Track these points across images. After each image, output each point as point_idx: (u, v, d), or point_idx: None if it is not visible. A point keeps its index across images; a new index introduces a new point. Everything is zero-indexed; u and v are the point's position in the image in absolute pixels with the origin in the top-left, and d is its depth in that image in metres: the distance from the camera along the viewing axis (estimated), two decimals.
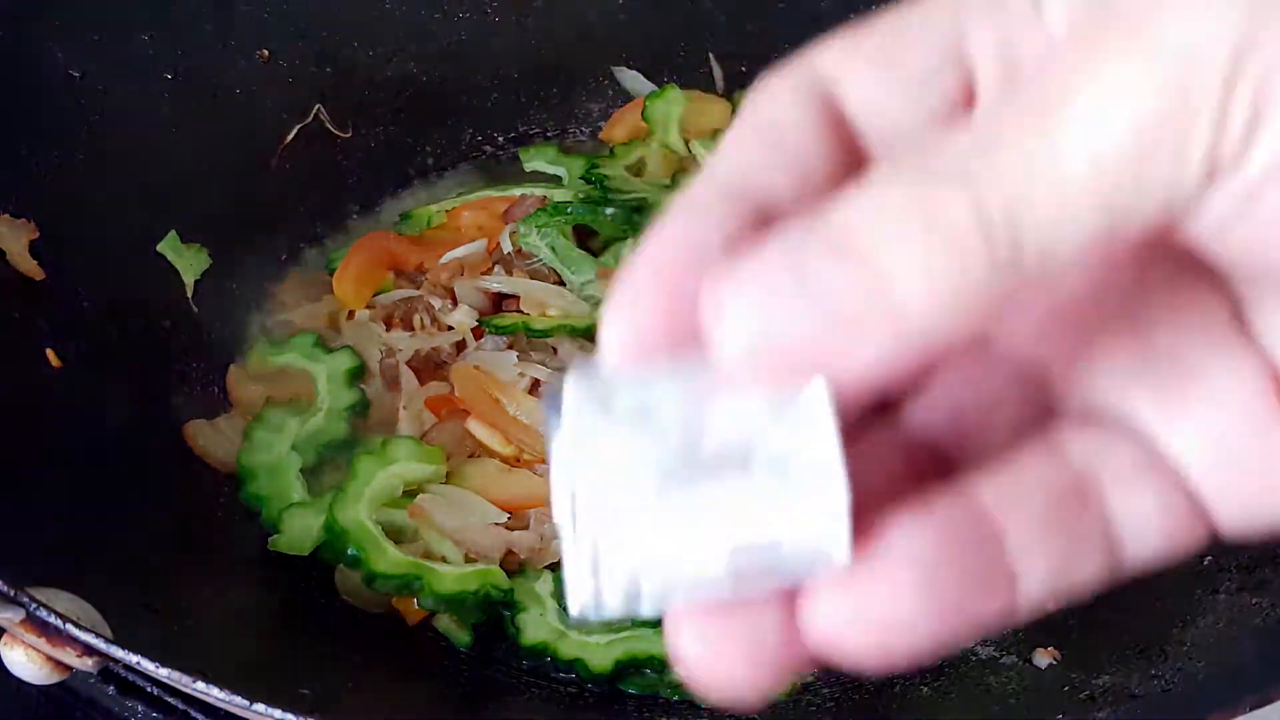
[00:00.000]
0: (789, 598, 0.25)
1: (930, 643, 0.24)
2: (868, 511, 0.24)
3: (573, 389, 0.24)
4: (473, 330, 0.88)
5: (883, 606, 0.23)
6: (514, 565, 0.78)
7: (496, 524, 0.79)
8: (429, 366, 0.87)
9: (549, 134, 1.08)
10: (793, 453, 0.23)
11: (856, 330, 0.22)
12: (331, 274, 0.94)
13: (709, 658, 0.24)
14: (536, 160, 1.02)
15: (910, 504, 0.25)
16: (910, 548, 0.24)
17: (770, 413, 0.23)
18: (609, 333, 0.25)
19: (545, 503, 0.80)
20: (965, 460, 0.27)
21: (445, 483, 0.80)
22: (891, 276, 0.22)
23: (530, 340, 0.86)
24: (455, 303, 0.90)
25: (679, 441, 0.24)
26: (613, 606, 0.24)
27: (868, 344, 0.22)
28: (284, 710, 0.55)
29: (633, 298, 0.24)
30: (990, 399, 0.28)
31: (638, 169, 1.00)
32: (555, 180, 1.00)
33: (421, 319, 0.90)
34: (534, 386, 0.85)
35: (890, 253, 0.22)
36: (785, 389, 0.23)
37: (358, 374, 0.87)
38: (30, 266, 0.78)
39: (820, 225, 0.22)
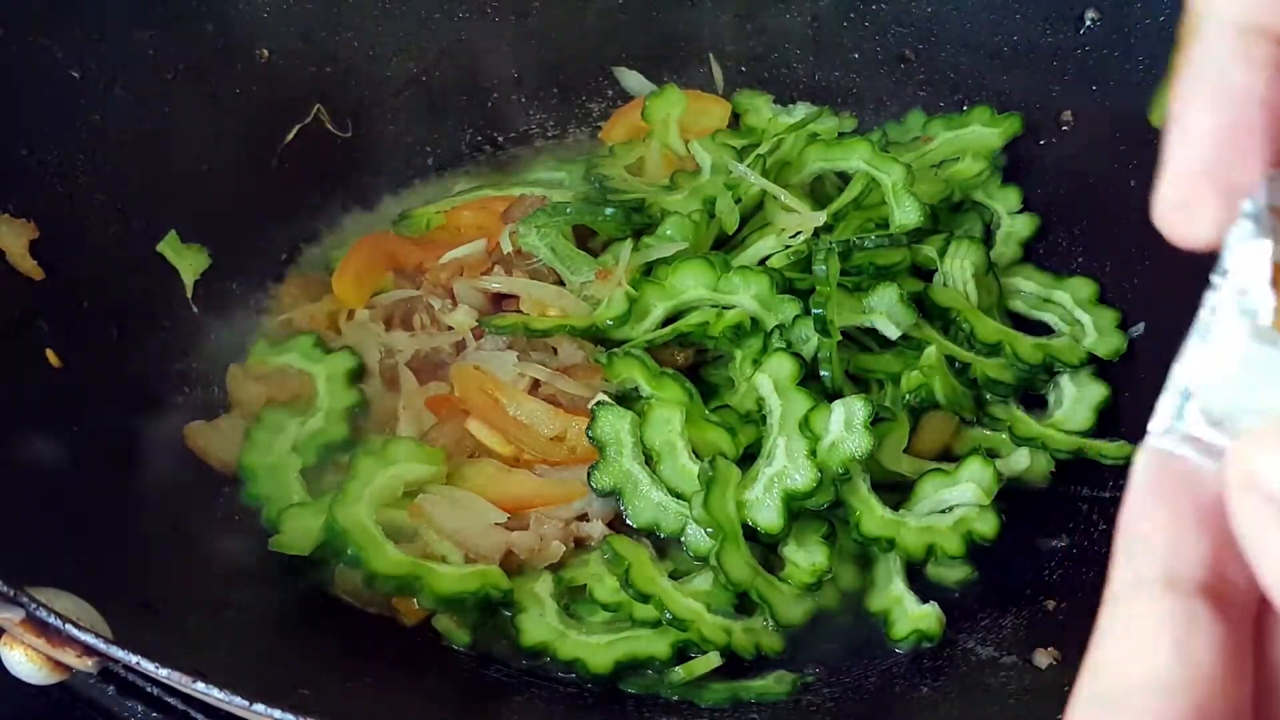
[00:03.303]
0: None
1: None
2: None
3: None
4: (472, 330, 0.88)
5: None
6: (513, 566, 0.78)
7: (496, 524, 0.79)
8: (429, 367, 0.87)
9: (549, 134, 1.08)
10: None
11: None
12: (331, 274, 0.94)
13: None
14: (538, 171, 1.02)
15: None
16: None
17: None
18: None
19: (545, 503, 0.81)
20: None
21: (445, 483, 0.80)
22: None
23: (530, 340, 0.86)
24: (455, 303, 0.89)
25: None
26: None
27: None
28: (283, 710, 0.55)
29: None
30: None
31: (637, 169, 1.00)
32: (555, 181, 1.00)
33: (421, 319, 0.89)
34: (534, 386, 0.84)
35: None
36: None
37: (357, 374, 0.87)
38: (30, 266, 0.78)
39: None
